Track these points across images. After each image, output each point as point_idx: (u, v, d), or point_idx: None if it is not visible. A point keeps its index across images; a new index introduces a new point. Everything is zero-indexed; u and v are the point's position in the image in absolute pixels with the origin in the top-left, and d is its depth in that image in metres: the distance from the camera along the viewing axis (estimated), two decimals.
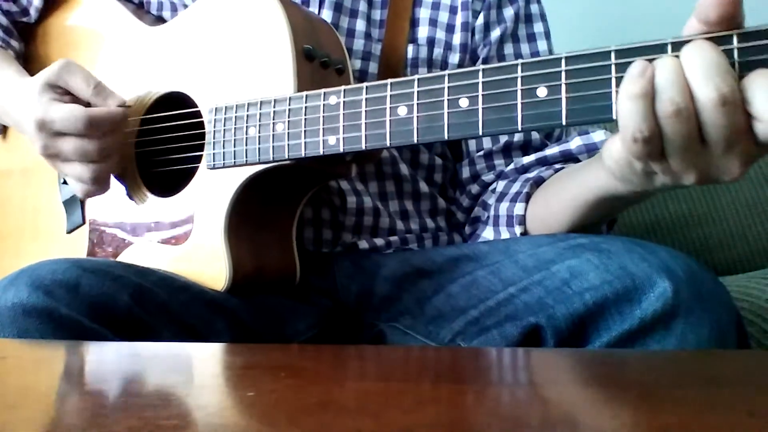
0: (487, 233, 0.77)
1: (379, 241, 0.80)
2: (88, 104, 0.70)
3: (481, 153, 0.82)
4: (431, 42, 0.82)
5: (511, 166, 0.79)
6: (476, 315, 0.64)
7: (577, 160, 0.74)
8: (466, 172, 0.84)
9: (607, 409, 0.33)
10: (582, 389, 0.38)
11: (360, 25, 0.81)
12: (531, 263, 0.63)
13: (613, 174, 0.53)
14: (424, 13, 0.84)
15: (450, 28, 0.83)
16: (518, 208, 0.72)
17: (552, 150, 0.76)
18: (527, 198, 0.72)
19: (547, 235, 0.67)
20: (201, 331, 0.63)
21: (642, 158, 0.48)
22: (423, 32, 0.83)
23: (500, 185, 0.77)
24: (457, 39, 0.83)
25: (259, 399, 0.33)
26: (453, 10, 0.84)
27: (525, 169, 0.78)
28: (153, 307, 0.60)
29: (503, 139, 0.82)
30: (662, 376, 0.40)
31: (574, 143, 0.74)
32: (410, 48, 0.82)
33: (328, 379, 0.39)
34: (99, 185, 0.72)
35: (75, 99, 0.71)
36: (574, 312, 0.56)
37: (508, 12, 0.84)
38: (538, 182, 0.72)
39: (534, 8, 0.86)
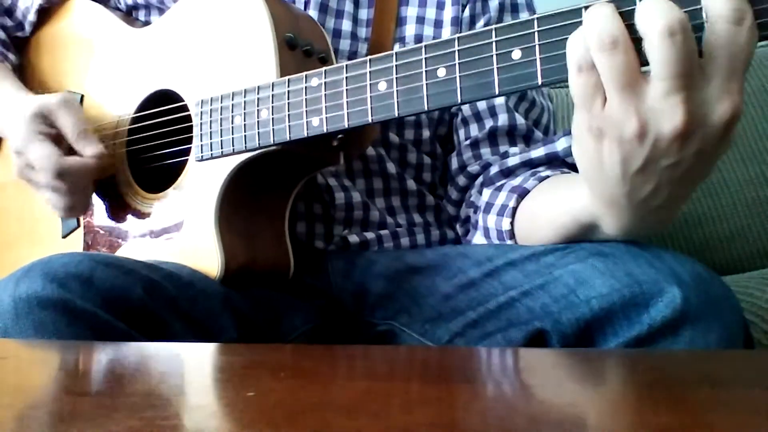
0: (478, 239, 0.77)
1: (370, 235, 0.80)
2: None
3: (468, 142, 0.82)
4: (419, 40, 0.82)
5: (496, 168, 0.78)
6: (475, 317, 0.64)
7: (564, 162, 0.74)
8: (454, 164, 0.84)
9: (607, 408, 0.33)
10: (582, 389, 0.38)
11: (346, 25, 0.82)
12: (530, 266, 0.63)
13: (575, 154, 0.52)
14: (411, 12, 0.84)
15: (438, 24, 0.84)
16: (505, 223, 0.72)
17: (538, 152, 0.76)
18: (513, 213, 0.71)
19: None
20: (208, 326, 0.63)
21: (582, 97, 0.47)
22: (410, 30, 0.83)
23: (486, 194, 0.76)
24: (446, 34, 0.83)
25: (259, 399, 0.33)
26: (440, 6, 0.84)
27: (510, 171, 0.77)
28: (163, 301, 0.60)
29: (488, 125, 0.81)
30: (662, 376, 0.40)
31: (560, 144, 0.73)
32: (397, 47, 0.82)
33: (328, 379, 0.39)
34: (72, 214, 0.76)
35: (58, 129, 0.74)
36: (581, 317, 0.56)
37: (493, 2, 0.84)
38: (523, 194, 0.71)
39: None
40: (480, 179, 0.80)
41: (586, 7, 0.48)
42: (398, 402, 0.32)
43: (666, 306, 0.53)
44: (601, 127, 0.48)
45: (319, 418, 0.30)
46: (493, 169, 0.78)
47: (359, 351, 0.55)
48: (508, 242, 0.72)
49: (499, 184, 0.77)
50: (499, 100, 0.81)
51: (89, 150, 0.73)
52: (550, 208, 0.65)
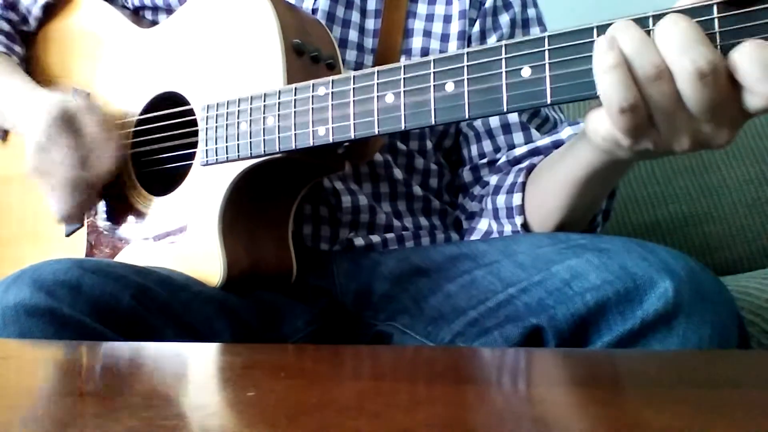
0: (483, 225, 0.77)
1: (375, 238, 0.80)
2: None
3: (485, 160, 0.83)
4: (425, 53, 0.82)
5: (504, 158, 0.79)
6: (475, 316, 0.64)
7: None
8: (468, 176, 0.84)
9: (607, 409, 0.33)
10: (581, 389, 0.38)
11: (352, 35, 0.82)
12: (530, 263, 0.63)
13: (602, 149, 0.53)
14: (418, 25, 0.84)
15: (445, 38, 0.83)
16: (516, 199, 0.72)
17: (543, 141, 0.77)
18: (522, 187, 0.72)
19: (548, 235, 0.67)
20: (202, 331, 0.63)
21: (630, 131, 0.48)
22: (417, 43, 0.83)
23: (494, 179, 0.77)
24: (452, 48, 0.83)
25: (259, 399, 0.33)
26: (447, 20, 0.84)
27: (517, 161, 0.78)
28: (154, 307, 0.60)
29: (506, 141, 0.82)
30: (662, 376, 0.40)
31: (565, 133, 0.74)
32: (403, 60, 0.82)
33: (328, 379, 0.39)
34: (70, 221, 0.76)
35: (80, 135, 0.73)
36: (576, 312, 0.56)
37: (504, 18, 0.84)
38: (531, 169, 0.72)
39: (531, 12, 0.86)
40: (488, 178, 0.80)
41: (599, 27, 0.48)
42: (398, 402, 0.33)
43: (658, 298, 0.54)
44: (646, 147, 0.49)
45: (319, 418, 0.30)
46: (501, 159, 0.79)
47: (360, 351, 0.55)
48: (517, 219, 0.71)
49: (506, 170, 0.78)
50: (513, 119, 0.81)
51: (106, 160, 0.73)
52: (558, 167, 0.66)
